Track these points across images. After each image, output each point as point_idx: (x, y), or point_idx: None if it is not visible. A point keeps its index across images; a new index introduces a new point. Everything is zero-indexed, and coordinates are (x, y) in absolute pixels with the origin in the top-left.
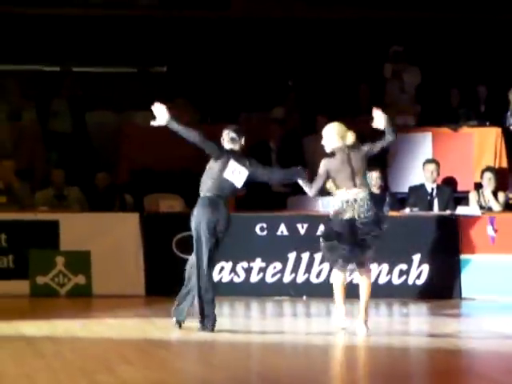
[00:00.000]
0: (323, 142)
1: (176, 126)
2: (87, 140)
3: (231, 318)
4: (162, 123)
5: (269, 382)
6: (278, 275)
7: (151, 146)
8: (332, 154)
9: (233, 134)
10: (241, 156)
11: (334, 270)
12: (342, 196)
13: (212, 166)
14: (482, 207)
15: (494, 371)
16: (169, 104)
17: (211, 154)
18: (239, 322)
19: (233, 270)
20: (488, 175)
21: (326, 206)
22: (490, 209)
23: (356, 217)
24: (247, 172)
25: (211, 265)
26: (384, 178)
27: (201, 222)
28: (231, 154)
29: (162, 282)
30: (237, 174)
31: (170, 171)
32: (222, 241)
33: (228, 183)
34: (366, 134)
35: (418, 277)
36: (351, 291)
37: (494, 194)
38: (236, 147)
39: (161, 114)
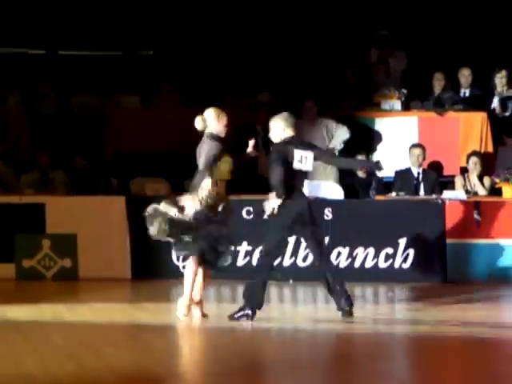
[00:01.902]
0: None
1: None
2: (72, 123)
3: (218, 302)
4: None
5: (256, 365)
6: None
7: (137, 129)
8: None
9: (293, 119)
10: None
11: None
12: None
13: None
14: (467, 192)
15: (482, 358)
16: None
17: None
18: (226, 306)
19: None
20: (474, 159)
21: (312, 191)
22: (475, 193)
23: None
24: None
25: None
26: None
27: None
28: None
29: (148, 266)
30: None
31: (156, 154)
32: None
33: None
34: (352, 118)
35: (404, 261)
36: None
37: (480, 178)
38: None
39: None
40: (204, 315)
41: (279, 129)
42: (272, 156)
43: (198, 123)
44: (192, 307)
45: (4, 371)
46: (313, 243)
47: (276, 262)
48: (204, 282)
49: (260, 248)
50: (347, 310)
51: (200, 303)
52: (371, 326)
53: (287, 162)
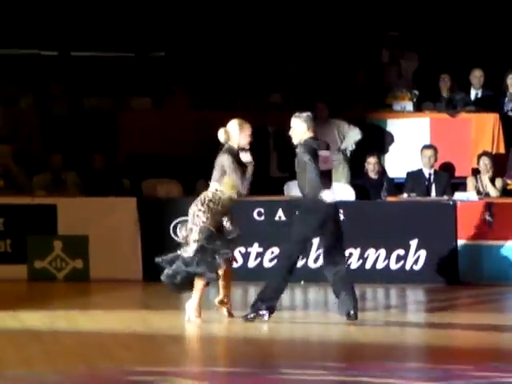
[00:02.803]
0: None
1: None
2: (84, 124)
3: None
4: None
5: (268, 367)
6: (276, 260)
7: (148, 131)
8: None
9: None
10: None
11: None
12: None
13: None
14: (479, 193)
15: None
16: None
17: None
18: (236, 308)
19: None
20: (484, 160)
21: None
22: (487, 194)
23: None
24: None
25: None
26: (381, 163)
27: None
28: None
29: (159, 267)
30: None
31: (168, 156)
32: None
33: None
34: (364, 119)
35: (416, 262)
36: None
37: (492, 179)
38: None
39: None
40: (230, 315)
41: (301, 129)
42: (304, 157)
43: (221, 135)
44: (218, 307)
45: (15, 372)
46: (331, 244)
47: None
48: (228, 282)
49: (278, 249)
50: (352, 313)
51: (226, 303)
52: (382, 328)
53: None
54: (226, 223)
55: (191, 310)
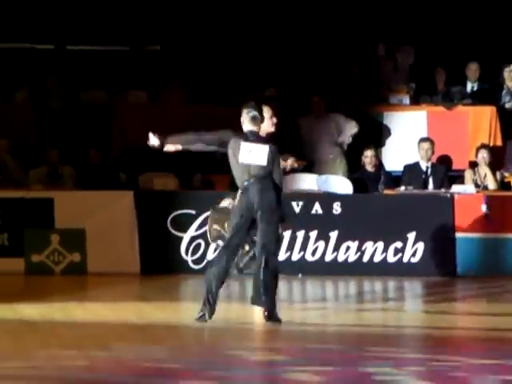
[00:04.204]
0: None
1: (174, 148)
2: (80, 118)
3: (226, 296)
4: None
5: (267, 361)
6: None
7: (144, 125)
8: None
9: (254, 113)
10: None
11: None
12: None
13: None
14: (477, 185)
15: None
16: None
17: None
18: (235, 301)
19: None
20: (483, 153)
21: (321, 185)
22: (485, 187)
23: None
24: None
25: None
26: (379, 156)
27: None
28: (250, 135)
29: (157, 260)
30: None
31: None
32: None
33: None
34: (359, 113)
35: (413, 255)
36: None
37: (492, 172)
38: (257, 128)
39: (155, 144)
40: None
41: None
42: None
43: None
44: None
45: (13, 365)
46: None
47: (284, 257)
48: None
49: None
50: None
51: None
52: (380, 320)
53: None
54: None
55: None
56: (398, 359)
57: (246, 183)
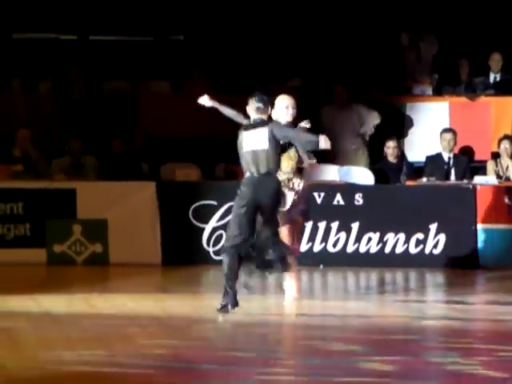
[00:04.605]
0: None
1: (211, 103)
2: (103, 109)
3: (247, 288)
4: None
5: (284, 354)
6: None
7: (167, 115)
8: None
9: (259, 104)
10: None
11: None
12: None
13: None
14: (499, 176)
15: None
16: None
17: None
18: (255, 293)
19: None
20: (506, 144)
21: (343, 176)
22: (507, 178)
23: None
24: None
25: None
26: (401, 147)
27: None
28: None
29: (179, 251)
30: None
31: (186, 140)
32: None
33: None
34: (381, 104)
35: (435, 246)
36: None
37: None
38: (263, 116)
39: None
40: None
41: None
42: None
43: None
44: None
45: (35, 356)
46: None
47: (306, 248)
48: None
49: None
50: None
51: None
52: (402, 311)
53: None
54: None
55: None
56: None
57: (249, 173)
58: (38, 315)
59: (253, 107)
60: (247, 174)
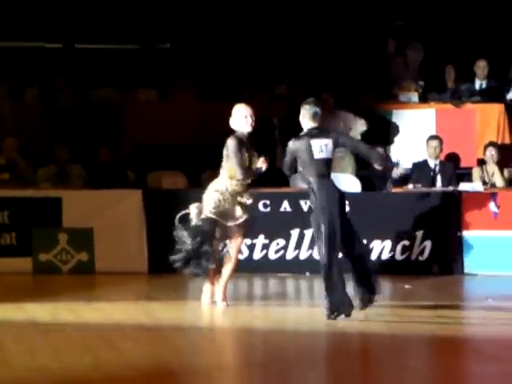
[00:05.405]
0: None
1: None
2: (90, 117)
3: (234, 294)
4: None
5: (273, 360)
6: (281, 252)
7: (154, 123)
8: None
9: (316, 108)
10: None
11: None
12: None
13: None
14: (485, 183)
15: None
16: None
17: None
18: (242, 299)
19: None
20: (491, 151)
21: None
22: (493, 185)
23: None
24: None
25: None
26: (387, 154)
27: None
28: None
29: (165, 259)
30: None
31: (173, 147)
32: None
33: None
34: (368, 111)
35: (421, 253)
36: None
37: (499, 169)
38: (316, 124)
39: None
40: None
41: (301, 118)
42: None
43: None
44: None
45: (20, 364)
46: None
47: (292, 256)
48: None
49: (283, 240)
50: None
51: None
52: (388, 319)
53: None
54: (232, 211)
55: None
56: None
57: (318, 179)
58: (24, 324)
59: (308, 114)
60: (316, 180)
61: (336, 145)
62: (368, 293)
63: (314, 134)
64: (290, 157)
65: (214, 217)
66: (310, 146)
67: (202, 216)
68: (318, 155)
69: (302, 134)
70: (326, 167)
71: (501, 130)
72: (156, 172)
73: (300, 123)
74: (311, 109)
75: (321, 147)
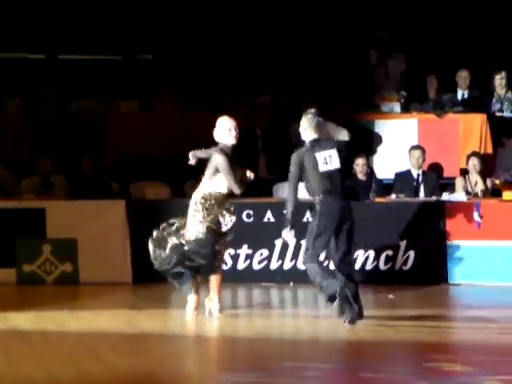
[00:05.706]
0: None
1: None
2: (72, 127)
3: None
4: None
5: (258, 369)
6: (265, 262)
7: (136, 134)
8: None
9: (318, 118)
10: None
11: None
12: None
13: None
14: (468, 193)
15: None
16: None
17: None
18: (227, 308)
19: None
20: (474, 161)
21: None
22: (476, 194)
23: None
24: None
25: None
26: (370, 164)
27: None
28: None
29: (149, 269)
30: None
31: (156, 158)
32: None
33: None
34: (350, 121)
35: (405, 263)
36: None
37: (482, 179)
38: (318, 135)
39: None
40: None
41: (301, 128)
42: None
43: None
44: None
45: (4, 375)
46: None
47: (276, 266)
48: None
49: (267, 251)
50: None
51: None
52: (372, 328)
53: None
54: (222, 217)
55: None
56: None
57: (324, 194)
58: (7, 334)
59: (312, 125)
60: (321, 198)
61: (339, 151)
62: (358, 309)
63: (316, 145)
64: (297, 168)
65: (210, 225)
66: (314, 159)
67: (199, 229)
68: (323, 167)
69: (305, 146)
70: (331, 181)
71: (483, 140)
72: (139, 182)
73: (283, 134)
74: (314, 119)
75: (325, 159)
